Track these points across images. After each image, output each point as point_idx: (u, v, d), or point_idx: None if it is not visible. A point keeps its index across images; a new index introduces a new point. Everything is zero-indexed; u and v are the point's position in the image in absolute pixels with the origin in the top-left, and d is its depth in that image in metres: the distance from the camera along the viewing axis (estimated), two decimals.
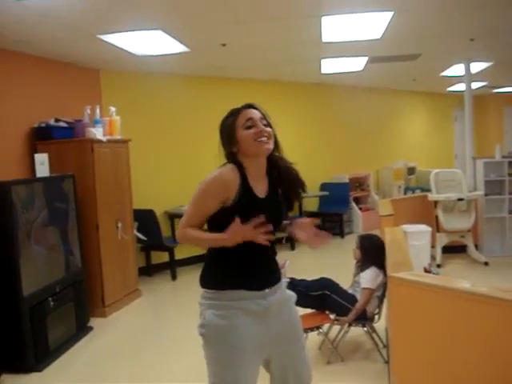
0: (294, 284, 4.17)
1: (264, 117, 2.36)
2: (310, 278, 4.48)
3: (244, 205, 2.27)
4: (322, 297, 4.35)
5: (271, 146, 2.33)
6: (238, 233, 2.20)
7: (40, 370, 4.57)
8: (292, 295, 2.57)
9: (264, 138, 2.28)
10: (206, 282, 2.35)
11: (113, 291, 6.01)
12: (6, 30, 4.90)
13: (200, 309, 2.36)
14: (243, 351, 2.26)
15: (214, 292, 2.29)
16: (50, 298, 4.89)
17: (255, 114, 2.33)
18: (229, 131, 2.33)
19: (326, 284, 4.44)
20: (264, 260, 2.41)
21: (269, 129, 2.33)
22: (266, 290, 2.34)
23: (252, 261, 2.34)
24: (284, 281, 2.56)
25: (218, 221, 2.28)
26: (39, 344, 4.68)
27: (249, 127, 2.29)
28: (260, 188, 2.37)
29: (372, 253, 4.44)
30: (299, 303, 2.59)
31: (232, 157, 2.36)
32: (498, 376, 2.67)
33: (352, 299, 4.35)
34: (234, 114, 2.35)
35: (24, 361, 4.55)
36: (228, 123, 2.35)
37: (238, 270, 2.31)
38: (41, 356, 4.67)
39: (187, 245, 2.38)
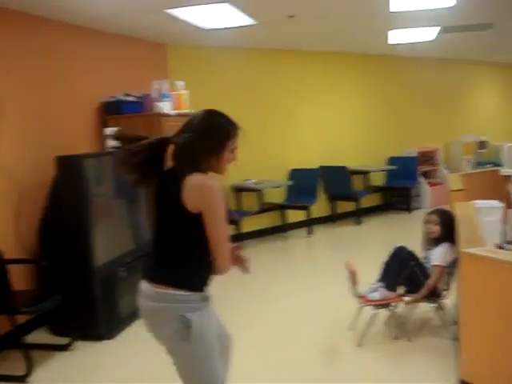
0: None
1: None
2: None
3: None
4: (411, 272, 4.26)
5: None
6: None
7: (111, 338, 4.71)
8: None
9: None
10: (182, 282, 2.35)
11: None
12: (78, 6, 5.00)
13: (166, 309, 2.37)
14: (216, 344, 2.42)
15: (189, 294, 2.33)
16: (121, 269, 5.01)
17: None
18: (221, 145, 2.45)
19: (406, 256, 4.37)
20: None
21: None
22: None
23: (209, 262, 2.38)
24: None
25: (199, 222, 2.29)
26: (110, 313, 4.80)
27: (231, 151, 2.48)
28: None
29: (451, 229, 4.29)
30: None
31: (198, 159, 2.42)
32: None
33: (426, 274, 4.28)
34: (232, 130, 2.50)
35: (96, 329, 4.70)
36: (223, 135, 2.49)
37: (207, 272, 2.41)
38: (112, 324, 4.81)
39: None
